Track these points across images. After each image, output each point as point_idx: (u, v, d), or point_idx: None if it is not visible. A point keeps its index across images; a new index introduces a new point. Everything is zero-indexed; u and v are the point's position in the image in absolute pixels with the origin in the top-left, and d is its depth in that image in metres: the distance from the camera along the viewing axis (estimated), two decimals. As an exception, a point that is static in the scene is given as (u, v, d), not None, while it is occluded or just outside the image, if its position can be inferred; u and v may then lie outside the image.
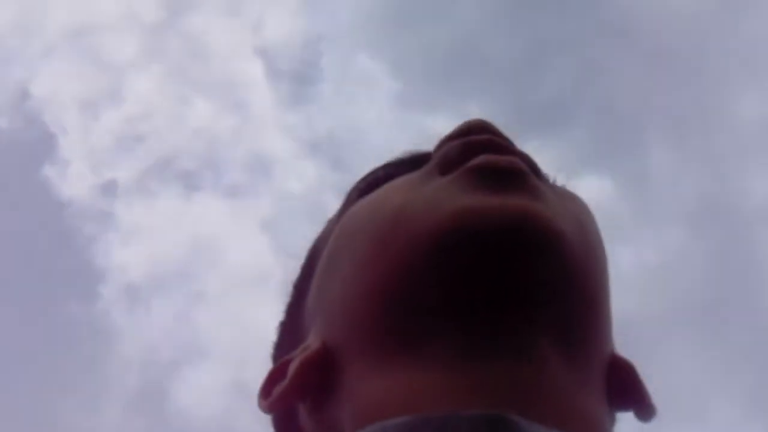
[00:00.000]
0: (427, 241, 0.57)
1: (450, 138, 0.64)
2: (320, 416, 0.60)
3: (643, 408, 0.63)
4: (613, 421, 0.63)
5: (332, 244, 0.65)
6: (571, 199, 0.65)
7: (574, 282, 0.58)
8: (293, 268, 0.73)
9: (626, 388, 0.62)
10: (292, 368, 0.60)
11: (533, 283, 0.56)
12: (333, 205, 0.73)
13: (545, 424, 0.52)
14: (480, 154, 0.60)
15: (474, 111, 0.66)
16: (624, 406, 0.63)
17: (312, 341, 0.61)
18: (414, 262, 0.57)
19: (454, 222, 0.57)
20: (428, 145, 0.66)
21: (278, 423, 0.67)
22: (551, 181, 0.66)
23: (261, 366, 0.65)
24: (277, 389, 0.60)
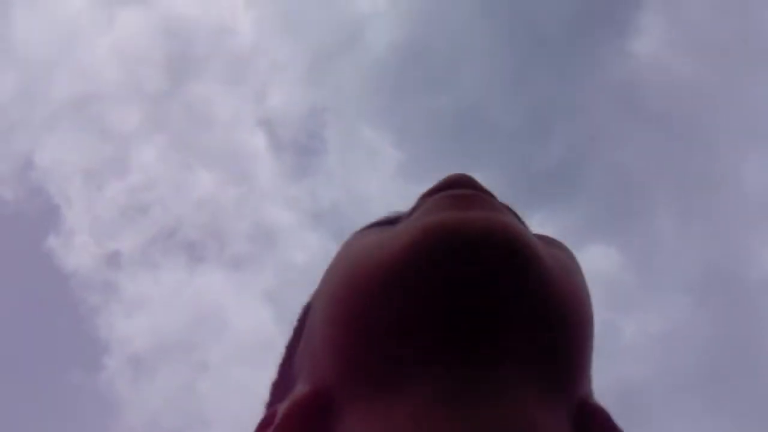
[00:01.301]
0: (392, 268, 0.56)
1: (429, 193, 0.63)
2: None
3: None
4: None
5: (315, 296, 0.65)
6: (557, 246, 0.64)
7: (553, 308, 0.56)
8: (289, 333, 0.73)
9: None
10: (281, 411, 0.59)
11: (508, 300, 0.54)
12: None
13: None
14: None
15: (478, 179, 0.65)
16: None
17: (299, 388, 0.61)
18: (380, 291, 0.56)
19: (417, 240, 0.55)
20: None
21: None
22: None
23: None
24: None
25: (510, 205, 0.64)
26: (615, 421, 0.63)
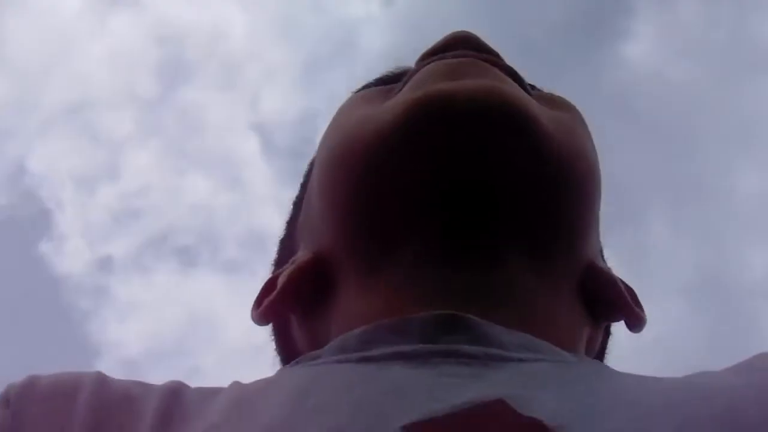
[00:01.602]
0: (381, 142, 0.56)
1: (428, 54, 0.62)
2: (309, 326, 0.62)
3: (626, 318, 0.63)
4: (595, 328, 0.63)
5: (314, 161, 0.66)
6: (561, 105, 0.64)
7: (550, 173, 0.56)
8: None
9: (605, 298, 0.62)
10: (282, 279, 0.62)
11: (502, 167, 0.55)
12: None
13: (503, 325, 0.52)
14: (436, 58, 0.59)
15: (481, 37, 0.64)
16: (605, 315, 0.63)
17: (300, 255, 0.63)
18: (374, 162, 0.56)
19: (409, 110, 0.55)
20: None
21: (276, 336, 0.69)
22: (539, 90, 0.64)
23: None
24: (268, 299, 0.62)
25: (512, 67, 0.62)
26: (621, 285, 0.63)
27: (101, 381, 0.53)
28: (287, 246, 0.70)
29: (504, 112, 0.54)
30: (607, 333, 0.69)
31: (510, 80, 0.59)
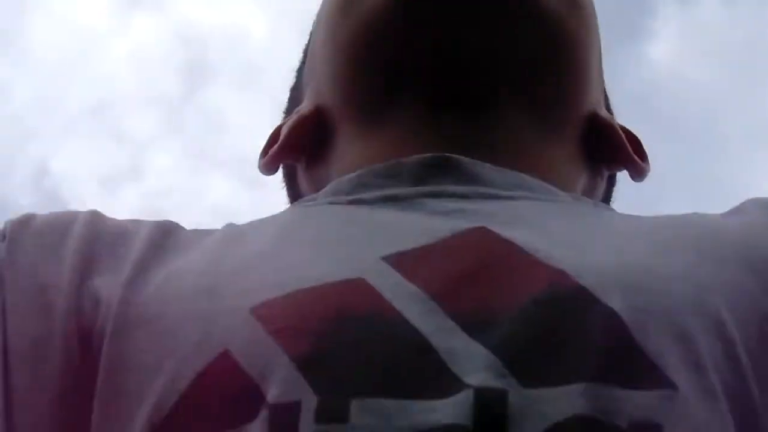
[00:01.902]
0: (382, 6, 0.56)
1: None
2: (312, 173, 0.63)
3: (627, 167, 0.64)
4: (596, 176, 0.64)
5: (317, 14, 0.66)
6: None
7: (544, 26, 0.57)
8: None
9: (607, 147, 0.62)
10: (285, 129, 0.63)
11: (495, 23, 0.56)
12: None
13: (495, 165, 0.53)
14: None
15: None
16: (607, 163, 0.64)
17: (304, 106, 0.64)
18: (374, 18, 0.57)
19: None
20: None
21: (286, 183, 0.70)
22: None
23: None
24: (272, 150, 0.63)
25: None
26: (622, 134, 0.63)
27: (96, 216, 0.53)
28: (296, 95, 0.70)
29: None
30: (612, 182, 0.70)
31: None
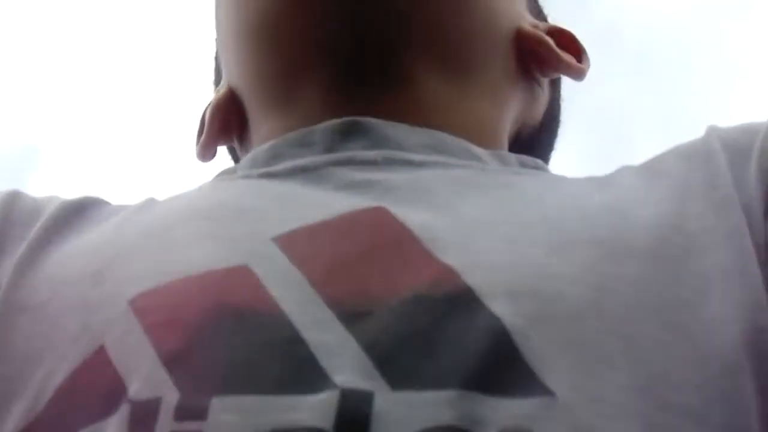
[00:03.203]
0: None
1: None
2: (244, 151, 0.63)
3: (563, 71, 0.64)
4: (533, 88, 0.64)
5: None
6: None
7: None
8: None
9: (538, 58, 0.62)
10: (207, 114, 0.63)
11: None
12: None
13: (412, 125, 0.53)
14: None
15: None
16: (543, 73, 0.64)
17: (221, 86, 0.64)
18: (270, 6, 0.56)
19: None
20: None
21: (232, 159, 0.70)
22: None
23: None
24: (202, 137, 0.64)
25: None
26: (548, 41, 0.63)
27: (11, 195, 0.52)
28: (219, 65, 0.70)
29: None
30: (555, 85, 0.70)
31: None
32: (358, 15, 0.55)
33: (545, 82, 0.66)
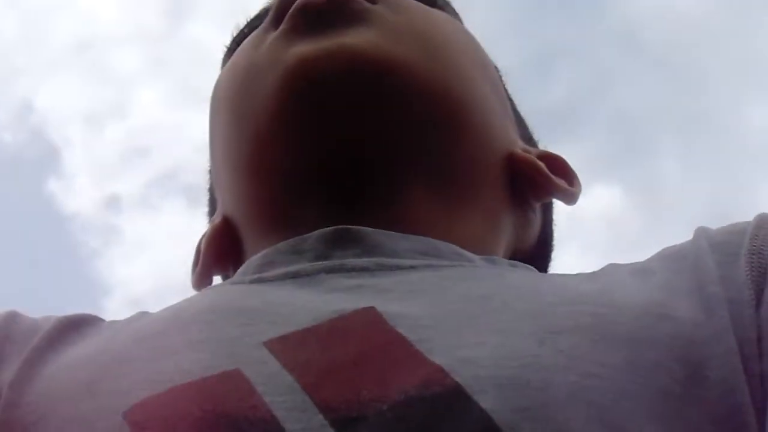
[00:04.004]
0: (266, 108, 0.58)
1: None
2: (237, 268, 0.62)
3: (555, 195, 0.66)
4: (526, 212, 0.65)
5: (210, 113, 0.67)
6: (416, 9, 0.64)
7: (425, 107, 0.57)
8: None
9: (529, 182, 0.63)
10: (203, 245, 0.65)
11: (377, 121, 0.56)
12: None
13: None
14: None
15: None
16: (535, 197, 0.65)
17: (216, 216, 0.65)
18: (261, 129, 0.58)
19: (282, 86, 0.57)
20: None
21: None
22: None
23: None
24: (195, 271, 0.65)
25: None
26: (540, 165, 0.64)
27: (9, 316, 0.53)
28: (213, 196, 0.71)
29: (360, 73, 0.56)
30: (548, 210, 0.71)
31: (367, 15, 0.59)
32: (350, 141, 0.56)
33: (537, 206, 0.67)
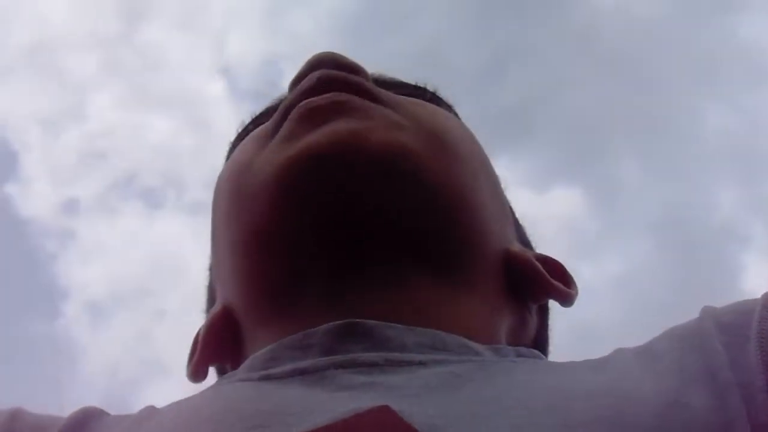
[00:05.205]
0: (265, 199, 0.58)
1: (296, 79, 0.64)
2: (237, 361, 0.62)
3: (550, 295, 0.65)
4: (523, 312, 0.65)
5: (212, 206, 0.68)
6: (417, 106, 0.65)
7: (428, 195, 0.58)
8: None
9: (527, 281, 0.63)
10: (201, 335, 0.64)
11: (376, 207, 0.57)
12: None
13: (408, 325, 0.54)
14: (303, 99, 0.60)
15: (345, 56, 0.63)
16: (532, 297, 0.66)
17: (216, 306, 0.65)
18: (260, 220, 0.58)
19: (280, 176, 0.57)
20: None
21: (218, 374, 0.70)
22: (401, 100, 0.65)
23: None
24: (193, 361, 0.64)
25: (375, 81, 0.65)
26: (537, 265, 0.64)
27: (16, 413, 0.54)
28: (212, 292, 0.71)
29: (368, 158, 0.57)
30: (545, 312, 0.72)
31: (368, 109, 0.60)
32: (349, 224, 0.56)
33: (534, 308, 0.67)
